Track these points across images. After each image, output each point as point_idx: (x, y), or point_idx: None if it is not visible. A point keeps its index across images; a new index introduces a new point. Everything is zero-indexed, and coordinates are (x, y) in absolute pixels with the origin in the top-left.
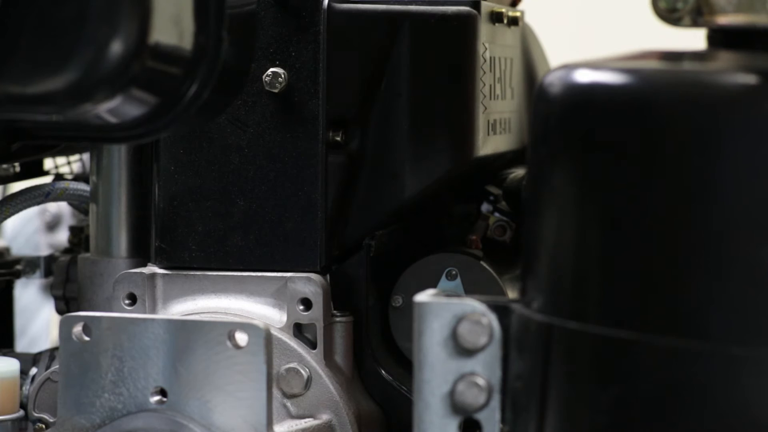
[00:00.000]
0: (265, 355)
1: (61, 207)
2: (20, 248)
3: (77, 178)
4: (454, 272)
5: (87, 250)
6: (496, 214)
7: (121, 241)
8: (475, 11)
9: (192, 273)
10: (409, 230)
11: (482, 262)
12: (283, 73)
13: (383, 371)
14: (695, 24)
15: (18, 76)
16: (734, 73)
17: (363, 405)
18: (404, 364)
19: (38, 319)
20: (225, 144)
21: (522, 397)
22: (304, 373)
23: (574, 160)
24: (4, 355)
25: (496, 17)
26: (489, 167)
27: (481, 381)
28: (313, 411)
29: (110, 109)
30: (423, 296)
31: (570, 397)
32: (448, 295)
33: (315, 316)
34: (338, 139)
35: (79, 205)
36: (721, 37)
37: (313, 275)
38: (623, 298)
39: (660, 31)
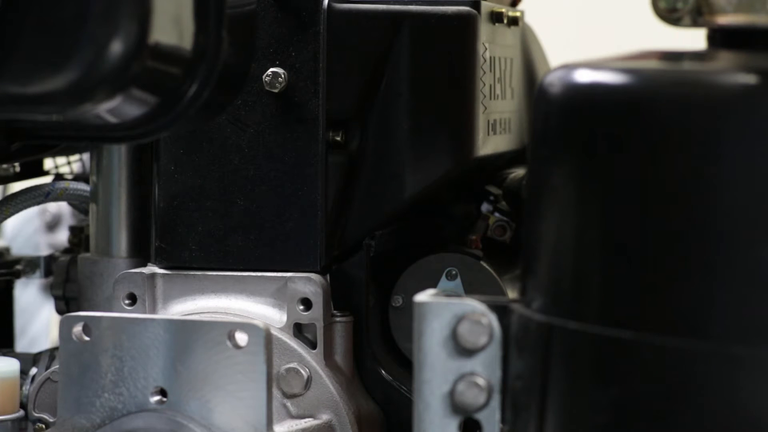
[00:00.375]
0: (265, 355)
1: (61, 207)
2: (20, 248)
3: (77, 178)
4: (454, 272)
5: (87, 250)
6: (496, 214)
7: (121, 241)
8: (475, 11)
9: (192, 273)
10: (409, 230)
11: (482, 262)
12: (283, 73)
13: (383, 371)
14: (695, 24)
15: (18, 76)
16: (734, 73)
17: (363, 405)
18: (404, 364)
19: (38, 319)
20: (225, 144)
21: (522, 397)
22: (304, 373)
23: (574, 160)
24: (4, 355)
25: (496, 17)
26: (489, 167)
27: (481, 381)
28: (313, 411)
29: (110, 109)
30: (423, 296)
31: (570, 397)
32: (448, 295)
33: (315, 316)
34: (338, 139)
35: (79, 205)
36: (721, 37)
37: (313, 275)
38: (623, 298)
39: (660, 31)
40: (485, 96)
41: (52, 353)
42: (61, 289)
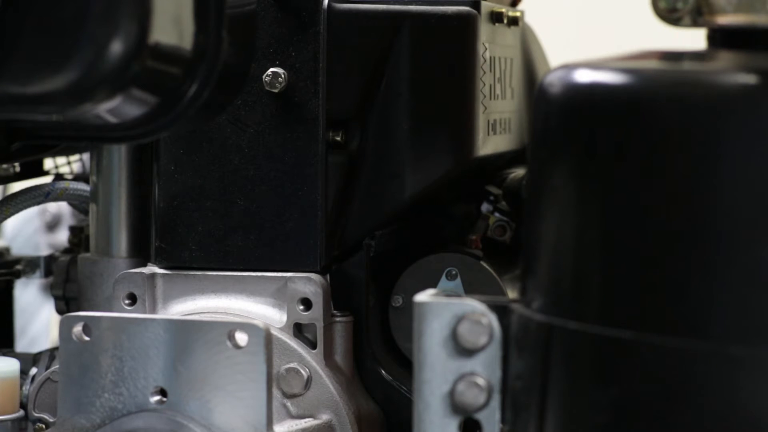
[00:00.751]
0: (265, 355)
1: (61, 207)
2: (20, 248)
3: (77, 178)
4: (454, 272)
5: (87, 250)
6: (496, 214)
7: (121, 241)
8: (475, 11)
9: (192, 273)
10: (409, 230)
11: (482, 262)
12: (283, 73)
13: (383, 371)
14: (695, 24)
15: (18, 76)
16: (734, 73)
17: (363, 405)
18: (404, 364)
19: (38, 319)
20: (225, 144)
21: (522, 397)
22: (304, 373)
23: (574, 160)
24: (4, 355)
25: (496, 17)
26: (489, 167)
27: (481, 381)
28: (313, 411)
29: (110, 109)
30: (423, 296)
31: (570, 397)
32: (448, 295)
33: (315, 316)
34: (338, 139)
35: (79, 205)
36: (721, 37)
37: (313, 275)
38: (623, 298)
39: (660, 31)
40: (485, 96)
41: (52, 353)
42: (61, 289)
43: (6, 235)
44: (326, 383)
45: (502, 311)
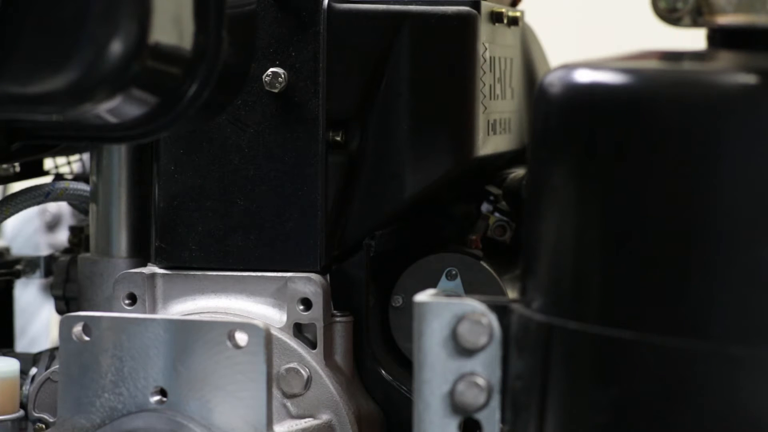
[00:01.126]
0: (265, 355)
1: (61, 207)
2: (20, 248)
3: (77, 178)
4: (454, 272)
5: (87, 250)
6: (496, 214)
7: (121, 241)
8: (475, 11)
9: (192, 273)
10: (409, 230)
11: (482, 262)
12: (283, 73)
13: (383, 371)
14: (695, 24)
15: (18, 76)
16: (734, 73)
17: (363, 405)
18: (404, 364)
19: (38, 319)
20: (225, 144)
21: (522, 397)
22: (304, 373)
23: (574, 160)
24: (4, 355)
25: (496, 17)
26: (489, 167)
27: (481, 381)
28: (313, 411)
29: (110, 109)
30: (423, 296)
31: (570, 397)
32: (448, 295)
33: (315, 316)
34: (338, 139)
35: (79, 205)
36: (721, 37)
37: (313, 275)
38: (623, 298)
39: (660, 31)
40: (485, 96)
41: (52, 353)
42: (61, 289)
43: (6, 235)
44: (326, 383)
45: (502, 311)
